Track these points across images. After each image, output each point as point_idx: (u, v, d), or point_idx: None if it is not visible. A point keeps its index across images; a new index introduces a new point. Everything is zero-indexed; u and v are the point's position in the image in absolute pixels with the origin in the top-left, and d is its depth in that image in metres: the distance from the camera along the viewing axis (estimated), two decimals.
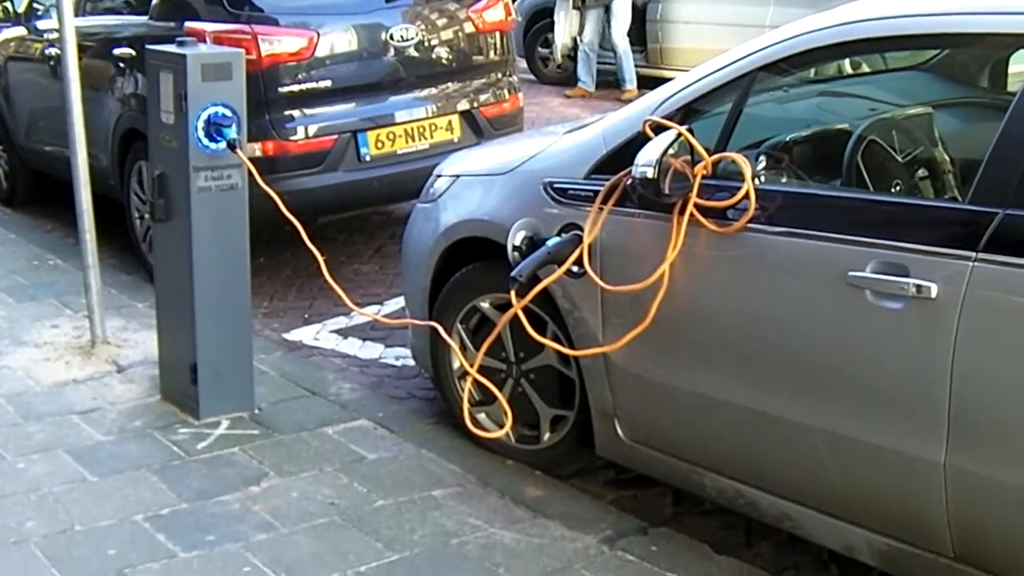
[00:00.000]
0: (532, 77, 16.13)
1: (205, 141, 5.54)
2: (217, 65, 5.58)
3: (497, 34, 8.67)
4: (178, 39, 5.83)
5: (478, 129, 8.38)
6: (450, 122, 8.25)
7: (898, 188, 4.73)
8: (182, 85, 5.52)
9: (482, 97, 8.49)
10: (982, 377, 3.80)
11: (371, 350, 7.08)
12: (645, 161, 4.38)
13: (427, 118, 8.15)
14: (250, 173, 5.66)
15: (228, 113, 5.55)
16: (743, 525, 5.04)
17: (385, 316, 6.97)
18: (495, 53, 8.68)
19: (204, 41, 7.03)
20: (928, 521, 4.02)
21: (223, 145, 5.55)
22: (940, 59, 5.63)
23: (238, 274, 5.81)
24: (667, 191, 4.39)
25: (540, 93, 15.08)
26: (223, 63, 5.61)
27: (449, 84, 8.35)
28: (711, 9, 14.54)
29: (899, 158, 4.78)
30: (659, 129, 4.55)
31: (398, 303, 7.64)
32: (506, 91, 8.68)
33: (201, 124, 5.52)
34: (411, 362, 6.68)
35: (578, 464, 5.49)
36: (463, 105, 8.36)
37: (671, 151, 4.42)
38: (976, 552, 3.96)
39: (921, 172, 4.85)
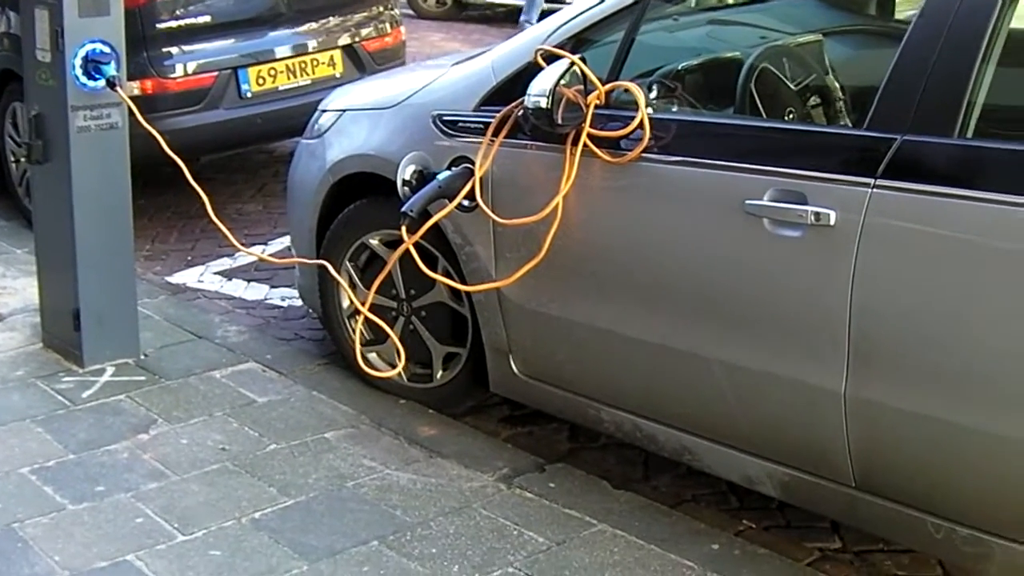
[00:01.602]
0: (411, 12, 15.91)
1: (83, 79, 5.34)
2: (94, 0, 5.38)
3: None
4: None
5: (360, 64, 8.24)
6: (332, 57, 8.10)
7: (791, 116, 4.70)
8: (58, 21, 5.31)
9: (364, 31, 8.34)
10: (881, 305, 3.77)
11: (256, 291, 6.94)
12: (538, 91, 4.28)
13: (308, 53, 8.00)
14: (130, 112, 5.47)
15: (107, 50, 5.36)
16: (641, 459, 5.02)
17: (271, 255, 6.81)
18: None
19: None
20: (829, 451, 4.00)
21: (102, 83, 5.36)
22: None
23: (120, 217, 5.63)
24: (560, 121, 4.30)
25: (419, 28, 14.88)
26: None
27: (330, 18, 8.19)
28: None
29: (792, 86, 4.73)
30: (551, 59, 4.45)
31: (283, 243, 7.53)
32: (388, 25, 8.54)
33: (79, 62, 5.32)
34: (297, 302, 6.58)
35: (472, 402, 5.45)
36: (345, 39, 8.21)
37: (563, 81, 4.32)
38: (877, 480, 3.95)
39: (813, 100, 4.82)
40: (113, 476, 4.75)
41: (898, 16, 5.83)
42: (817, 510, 4.24)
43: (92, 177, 5.50)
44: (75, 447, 4.96)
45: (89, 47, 5.33)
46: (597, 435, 5.11)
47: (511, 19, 15.38)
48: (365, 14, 8.39)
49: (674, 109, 4.50)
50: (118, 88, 5.39)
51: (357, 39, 8.26)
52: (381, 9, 8.52)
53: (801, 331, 3.96)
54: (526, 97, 4.34)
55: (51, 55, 5.41)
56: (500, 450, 5.04)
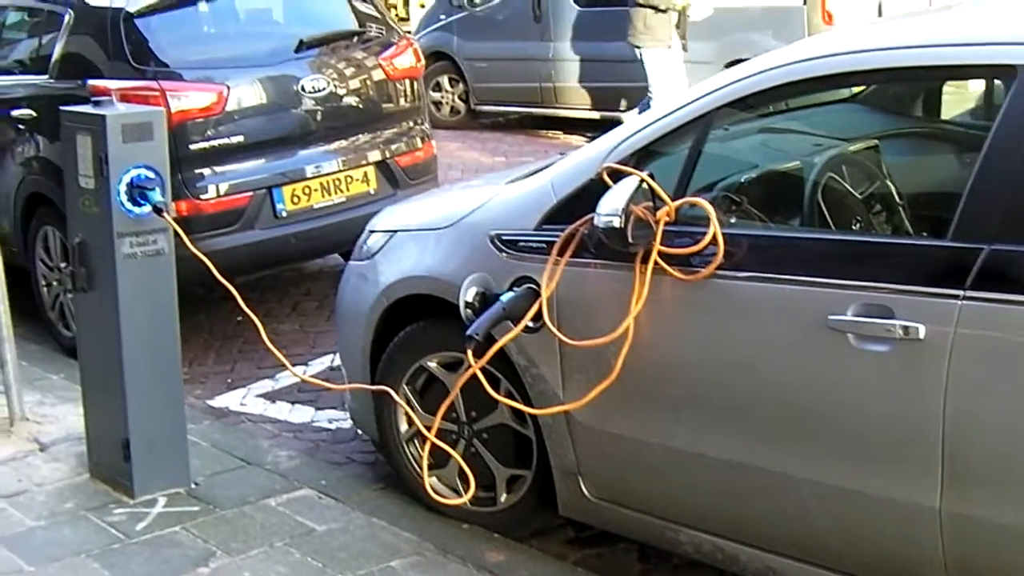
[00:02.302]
0: None
1: (129, 205, 5.29)
2: (138, 125, 5.35)
3: (408, 81, 8.51)
4: (93, 99, 5.60)
5: (394, 179, 8.21)
6: (365, 173, 8.06)
7: (858, 225, 4.64)
8: (102, 147, 5.27)
9: (395, 146, 8.31)
10: (976, 418, 3.69)
11: (302, 414, 6.85)
12: (610, 210, 4.21)
13: (342, 170, 7.97)
14: (177, 236, 5.42)
15: (151, 175, 5.31)
16: None
17: (326, 380, 6.63)
18: (406, 100, 8.52)
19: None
20: (923, 566, 3.91)
21: (148, 209, 5.31)
22: (873, 90, 5.55)
23: (168, 344, 5.55)
24: (631, 240, 4.23)
25: (435, 137, 14.79)
26: (144, 123, 5.38)
27: (362, 134, 8.17)
28: None
29: (856, 195, 4.68)
30: (617, 176, 4.39)
31: (323, 363, 7.46)
32: (419, 139, 8.52)
33: (124, 188, 5.27)
34: (345, 425, 6.50)
35: (537, 524, 5.31)
36: (377, 155, 8.19)
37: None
38: None
39: (877, 208, 4.76)
40: None
41: (944, 117, 5.79)
42: None
43: (140, 304, 5.43)
44: None
45: (134, 172, 5.29)
46: (669, 555, 4.99)
47: (523, 125, 15.46)
48: (396, 129, 8.37)
49: (740, 223, 4.42)
50: (166, 214, 5.33)
51: (390, 154, 8.24)
52: (412, 124, 8.51)
53: (892, 447, 3.87)
54: (596, 216, 4.27)
55: (95, 181, 5.36)
56: (572, 574, 4.93)
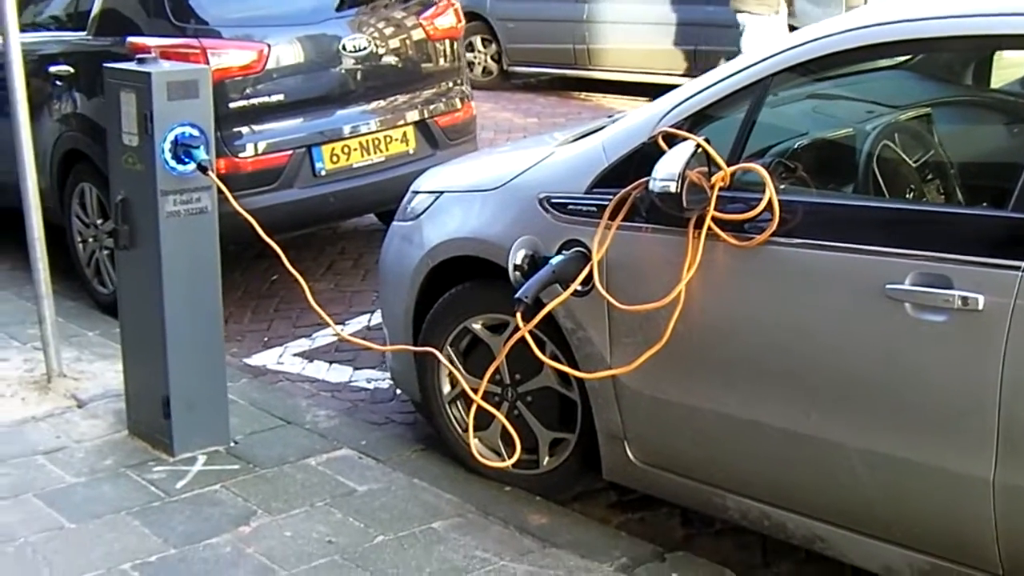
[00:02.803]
0: None
1: (173, 163, 5.27)
2: (183, 83, 5.32)
3: (447, 41, 8.46)
4: (137, 56, 5.56)
5: (433, 140, 8.17)
6: (405, 133, 8.03)
7: (912, 194, 4.60)
8: (147, 104, 5.25)
9: (435, 106, 8.27)
10: None
11: (339, 373, 6.83)
12: (666, 175, 4.17)
13: (381, 130, 7.93)
14: (220, 194, 5.39)
15: (196, 133, 5.29)
16: (759, 545, 4.89)
17: (364, 339, 6.62)
18: (446, 61, 8.47)
19: None
20: (976, 538, 3.88)
21: (192, 167, 5.28)
22: (923, 58, 5.49)
23: (210, 302, 5.54)
24: (686, 205, 4.19)
25: None
26: (190, 80, 5.35)
27: (402, 94, 8.13)
28: None
29: (911, 163, 4.63)
30: (672, 140, 4.35)
31: (361, 322, 7.45)
32: (458, 100, 8.47)
33: (168, 145, 5.24)
34: (383, 385, 6.50)
35: (579, 488, 5.30)
36: (417, 115, 8.15)
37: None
38: None
39: (930, 176, 4.71)
40: (218, 572, 4.63)
41: (995, 86, 5.73)
42: None
43: (182, 262, 5.42)
44: (176, 541, 4.84)
45: (179, 130, 5.26)
46: (711, 520, 4.98)
47: (555, 87, 15.41)
48: (436, 89, 8.32)
49: (795, 189, 4.38)
50: (210, 172, 5.31)
51: (428, 114, 8.20)
52: (452, 84, 8.45)
53: (946, 417, 3.84)
54: (651, 180, 4.23)
55: (139, 139, 5.34)
56: (615, 538, 4.90)
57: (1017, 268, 3.64)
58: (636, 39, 14.38)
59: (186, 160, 5.29)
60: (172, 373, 5.49)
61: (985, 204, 4.39)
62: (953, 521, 3.93)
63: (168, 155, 5.26)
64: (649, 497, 5.05)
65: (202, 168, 5.28)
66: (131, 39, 7.33)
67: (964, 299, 3.72)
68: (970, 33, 4.09)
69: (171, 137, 5.25)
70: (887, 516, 4.10)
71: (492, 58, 16.11)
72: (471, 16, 15.45)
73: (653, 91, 11.95)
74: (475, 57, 15.99)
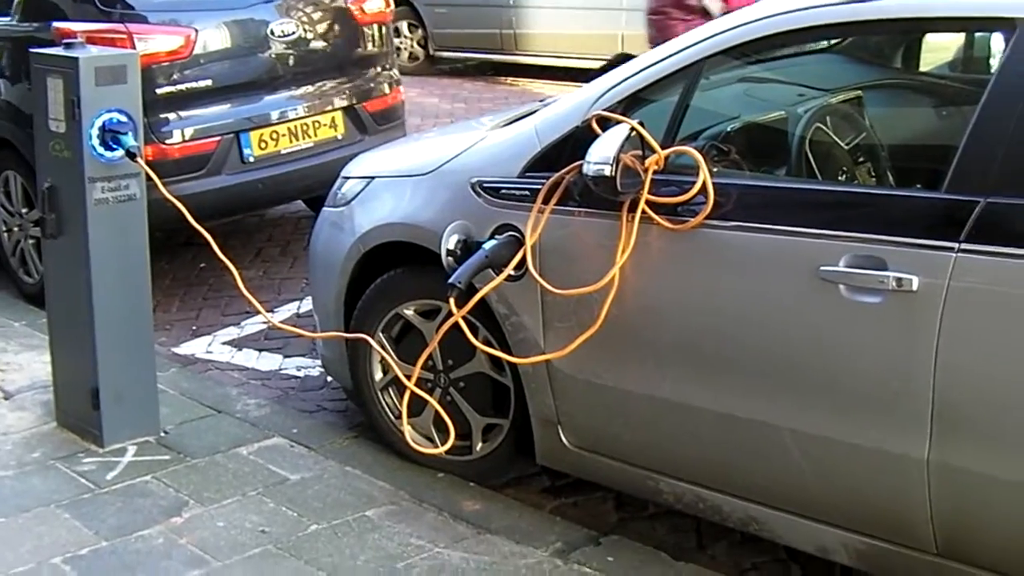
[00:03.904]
0: None
1: (101, 150, 5.20)
2: (111, 68, 5.24)
3: (376, 26, 8.41)
4: (64, 41, 5.48)
5: (361, 125, 8.14)
6: (333, 118, 7.99)
7: (844, 176, 4.61)
8: (74, 90, 5.16)
9: (364, 91, 8.23)
10: (967, 370, 3.68)
11: (269, 361, 6.78)
12: (600, 158, 4.16)
13: (310, 115, 7.89)
14: (150, 180, 5.33)
15: (124, 119, 5.21)
16: (693, 528, 4.90)
17: (294, 327, 6.58)
18: (375, 46, 8.43)
19: None
20: (910, 517, 3.89)
21: (120, 153, 5.21)
22: (854, 41, 5.52)
23: (139, 291, 5.47)
24: (620, 188, 4.18)
25: None
26: (118, 66, 5.27)
27: (330, 79, 8.09)
28: None
29: (843, 145, 4.65)
30: (606, 124, 4.34)
31: (290, 309, 7.41)
32: (387, 85, 8.45)
33: (96, 132, 5.17)
34: (314, 372, 6.45)
35: (513, 473, 5.29)
36: (345, 100, 8.11)
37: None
38: (961, 547, 3.85)
39: (862, 158, 4.73)
40: (151, 564, 4.57)
41: (923, 69, 5.77)
42: None
43: (111, 250, 5.34)
44: (107, 533, 4.77)
45: (106, 116, 5.19)
46: (645, 503, 4.98)
47: (482, 72, 15.39)
48: (365, 74, 8.28)
49: (730, 172, 4.38)
50: (139, 159, 5.24)
51: (357, 100, 8.15)
52: (380, 69, 8.41)
53: (881, 398, 3.85)
54: (585, 164, 4.22)
55: (66, 125, 5.25)
56: (549, 523, 4.88)
57: (951, 249, 3.65)
58: (563, 24, 14.39)
59: (114, 146, 5.21)
60: (101, 363, 5.41)
61: (918, 186, 4.42)
62: (888, 501, 3.94)
63: (96, 141, 5.19)
64: (583, 482, 5.04)
65: (130, 154, 5.21)
66: (57, 24, 7.22)
67: (898, 280, 3.73)
68: (900, 16, 4.10)
69: (99, 123, 5.18)
70: (822, 497, 4.11)
71: (419, 43, 16.04)
72: (398, 1, 15.40)
73: (580, 76, 12.00)
74: (402, 42, 15.90)
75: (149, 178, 5.35)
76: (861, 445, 3.93)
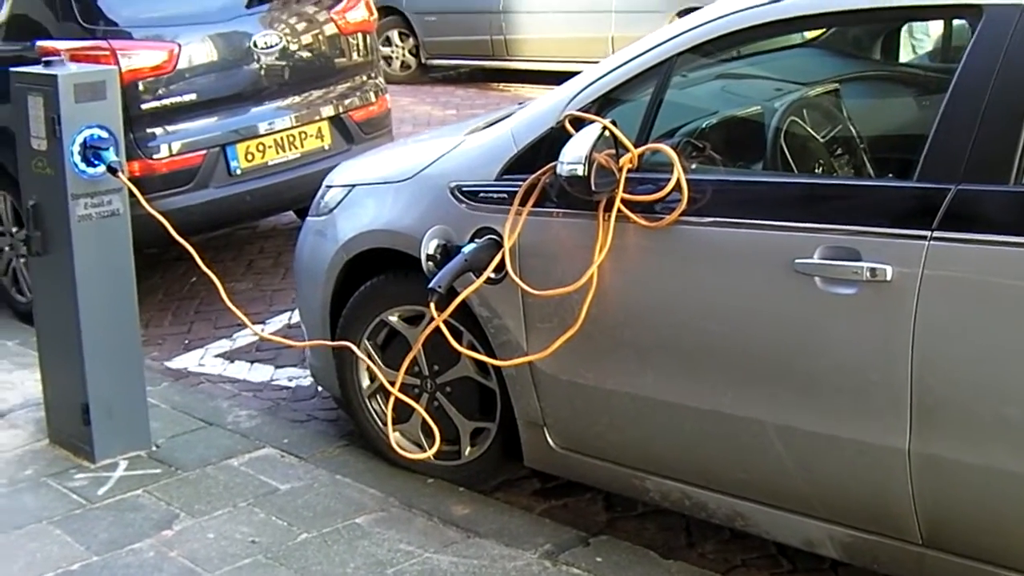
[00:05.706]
0: None
1: (82, 166, 5.21)
2: (90, 84, 5.25)
3: (360, 35, 8.42)
4: (44, 59, 5.49)
5: (348, 134, 8.15)
6: (319, 129, 8.00)
7: (820, 168, 4.62)
8: (54, 108, 5.18)
9: (349, 101, 8.24)
10: (944, 358, 3.69)
11: (261, 372, 6.79)
12: (573, 158, 4.17)
13: (296, 126, 7.90)
14: (132, 196, 5.34)
15: (105, 135, 5.23)
16: (682, 526, 4.90)
17: (286, 338, 6.57)
18: (359, 55, 8.44)
19: None
20: (894, 508, 3.90)
21: (102, 169, 5.22)
22: (832, 34, 5.53)
23: (126, 306, 5.48)
24: (595, 187, 4.19)
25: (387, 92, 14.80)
26: (97, 82, 5.28)
27: (316, 89, 8.09)
28: None
29: (819, 138, 4.65)
30: (579, 124, 4.35)
31: (282, 320, 7.41)
32: (372, 93, 8.45)
33: (77, 148, 5.18)
34: (305, 382, 6.46)
35: (501, 477, 5.29)
36: (331, 110, 8.12)
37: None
38: (945, 536, 3.85)
39: (839, 151, 4.74)
40: None
41: (903, 61, 5.78)
42: (882, 570, 4.10)
43: (96, 266, 5.35)
44: (98, 548, 4.78)
45: (87, 132, 5.20)
46: (634, 503, 4.99)
47: (474, 78, 15.41)
48: (350, 84, 8.29)
49: (704, 169, 4.39)
50: (120, 174, 5.25)
51: (343, 109, 8.16)
52: (365, 78, 8.42)
53: (860, 389, 3.85)
54: (559, 164, 4.23)
55: (47, 143, 5.27)
56: (538, 525, 4.89)
57: (924, 237, 3.66)
58: (553, 28, 14.41)
59: (95, 162, 5.23)
60: (90, 379, 5.42)
61: (891, 175, 4.42)
62: (871, 493, 3.94)
63: (77, 158, 5.20)
64: (571, 483, 5.05)
65: (112, 170, 5.22)
66: (40, 43, 7.22)
67: (872, 270, 3.73)
68: (872, 6, 4.10)
69: (79, 139, 5.19)
70: (806, 491, 4.11)
71: (410, 52, 16.04)
72: (388, 11, 15.46)
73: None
74: (393, 51, 15.94)
75: (132, 193, 5.34)
76: (842, 437, 3.93)
